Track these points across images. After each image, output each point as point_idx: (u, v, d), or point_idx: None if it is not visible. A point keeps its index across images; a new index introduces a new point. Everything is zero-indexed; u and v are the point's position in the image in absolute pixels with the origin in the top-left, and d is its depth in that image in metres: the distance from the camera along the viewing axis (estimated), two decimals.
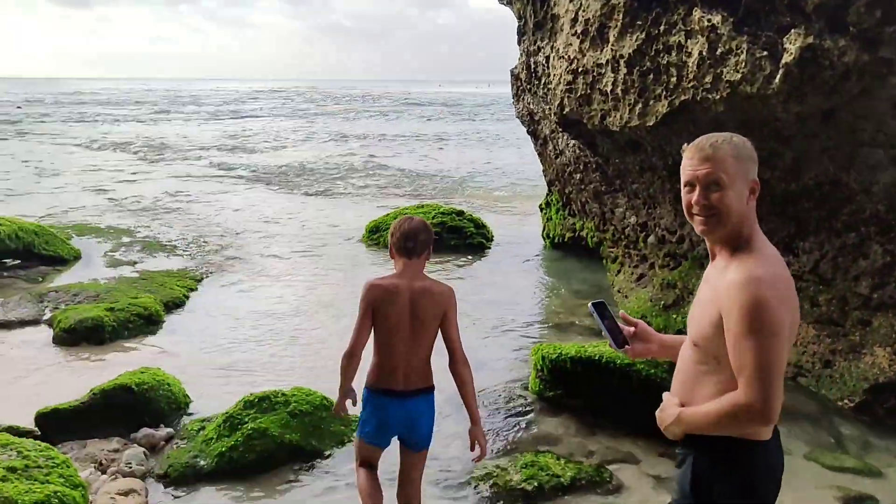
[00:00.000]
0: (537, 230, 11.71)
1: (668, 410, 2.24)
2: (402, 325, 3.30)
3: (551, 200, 11.11)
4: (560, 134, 9.31)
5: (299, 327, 7.42)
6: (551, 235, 11.03)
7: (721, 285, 2.10)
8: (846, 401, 5.53)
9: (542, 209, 11.62)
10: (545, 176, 11.13)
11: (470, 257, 10.61)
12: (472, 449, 3.46)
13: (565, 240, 10.61)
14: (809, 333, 5.94)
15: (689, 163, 2.17)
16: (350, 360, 3.34)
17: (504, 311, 8.04)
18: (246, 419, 4.68)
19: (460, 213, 11.60)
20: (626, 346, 2.51)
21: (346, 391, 3.44)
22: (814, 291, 5.92)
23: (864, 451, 5.01)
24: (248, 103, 65.00)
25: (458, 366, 3.38)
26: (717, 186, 2.11)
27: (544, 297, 9.00)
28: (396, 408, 3.35)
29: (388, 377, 3.33)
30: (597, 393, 5.23)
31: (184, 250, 10.63)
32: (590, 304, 2.57)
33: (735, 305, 2.01)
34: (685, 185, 2.19)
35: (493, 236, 11.56)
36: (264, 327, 7.37)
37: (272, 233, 12.17)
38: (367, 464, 3.54)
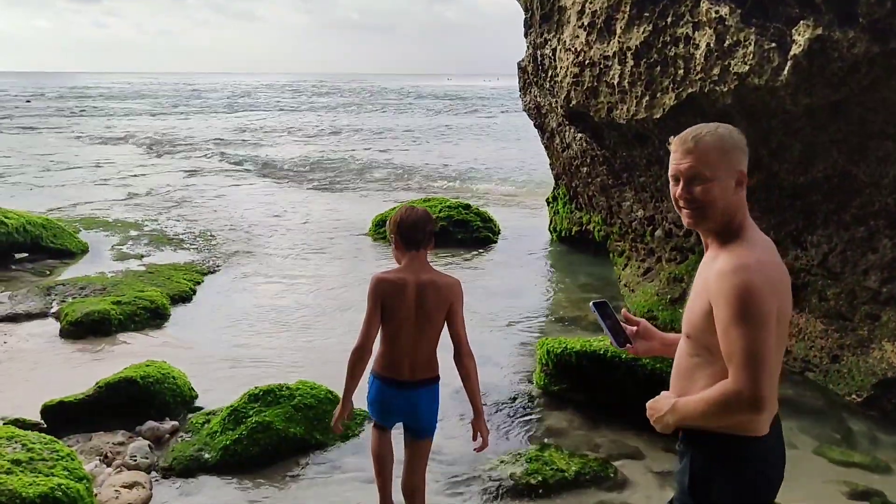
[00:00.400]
0: (544, 224, 11.67)
1: (663, 401, 2.23)
2: (409, 318, 3.31)
3: (558, 194, 11.07)
4: (567, 127, 9.26)
5: (305, 320, 7.41)
6: (558, 229, 10.99)
7: (711, 275, 2.10)
8: (854, 396, 5.49)
9: (549, 203, 11.58)
10: (552, 169, 11.09)
11: (476, 251, 10.58)
12: (475, 440, 3.46)
13: (572, 234, 10.56)
14: (817, 328, 5.90)
15: (674, 156, 2.16)
16: (360, 357, 3.32)
17: (510, 305, 8.02)
18: (250, 412, 4.68)
19: (467, 206, 11.56)
20: (628, 345, 2.51)
21: (347, 404, 3.42)
22: (822, 285, 5.87)
23: (872, 446, 4.97)
24: (256, 97, 65.07)
25: (463, 358, 3.39)
26: (699, 180, 2.10)
27: (551, 291, 8.97)
28: (400, 397, 3.38)
29: (393, 368, 3.35)
30: (602, 387, 5.21)
31: (191, 244, 10.64)
32: (591, 304, 2.57)
33: (723, 293, 2.01)
34: (671, 178, 2.19)
35: (500, 230, 11.53)
36: (270, 320, 7.37)
37: (279, 226, 12.16)
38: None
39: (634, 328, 2.55)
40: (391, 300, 3.29)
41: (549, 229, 11.38)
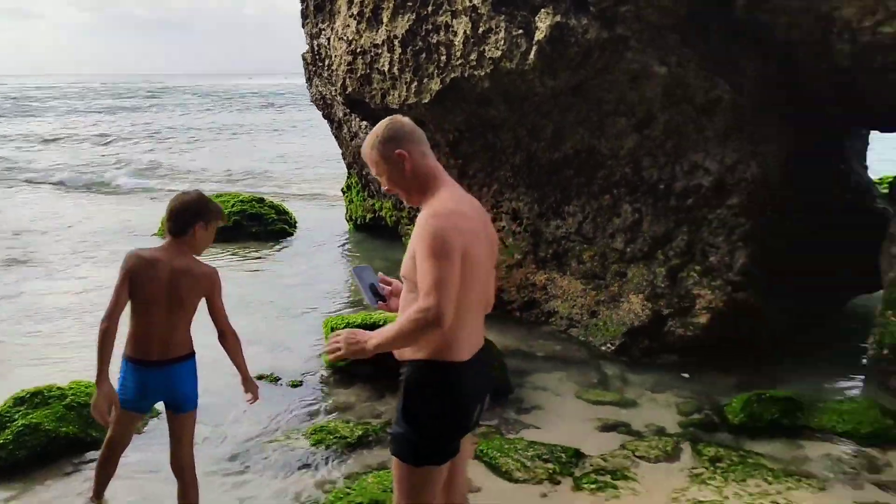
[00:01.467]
0: (341, 214, 11.83)
1: (365, 333, 2.56)
2: (158, 299, 3.34)
3: (352, 183, 11.27)
4: (353, 116, 9.47)
5: (79, 321, 7.04)
6: (354, 217, 11.20)
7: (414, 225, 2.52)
8: (608, 345, 6.16)
9: (344, 192, 11.75)
10: (344, 159, 11.27)
11: (272, 244, 10.54)
12: (246, 397, 3.65)
13: (367, 221, 10.81)
14: (578, 288, 6.54)
15: None
16: (107, 327, 3.25)
17: (305, 294, 8.10)
18: (16, 416, 4.43)
19: (261, 200, 11.46)
20: (380, 302, 2.84)
21: (104, 386, 3.28)
22: (579, 250, 6.51)
23: (623, 385, 5.63)
24: (34, 101, 59.58)
25: (227, 339, 3.57)
26: (378, 177, 2.65)
27: (345, 278, 9.14)
28: (155, 376, 3.40)
29: (144, 348, 3.37)
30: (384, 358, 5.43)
31: None
32: (352, 268, 2.87)
33: (419, 237, 2.42)
34: None
35: (296, 222, 11.53)
36: (46, 324, 6.94)
37: (58, 232, 11.36)
38: (118, 440, 3.60)
39: (389, 287, 2.88)
40: (139, 277, 3.31)
41: (346, 218, 11.55)
